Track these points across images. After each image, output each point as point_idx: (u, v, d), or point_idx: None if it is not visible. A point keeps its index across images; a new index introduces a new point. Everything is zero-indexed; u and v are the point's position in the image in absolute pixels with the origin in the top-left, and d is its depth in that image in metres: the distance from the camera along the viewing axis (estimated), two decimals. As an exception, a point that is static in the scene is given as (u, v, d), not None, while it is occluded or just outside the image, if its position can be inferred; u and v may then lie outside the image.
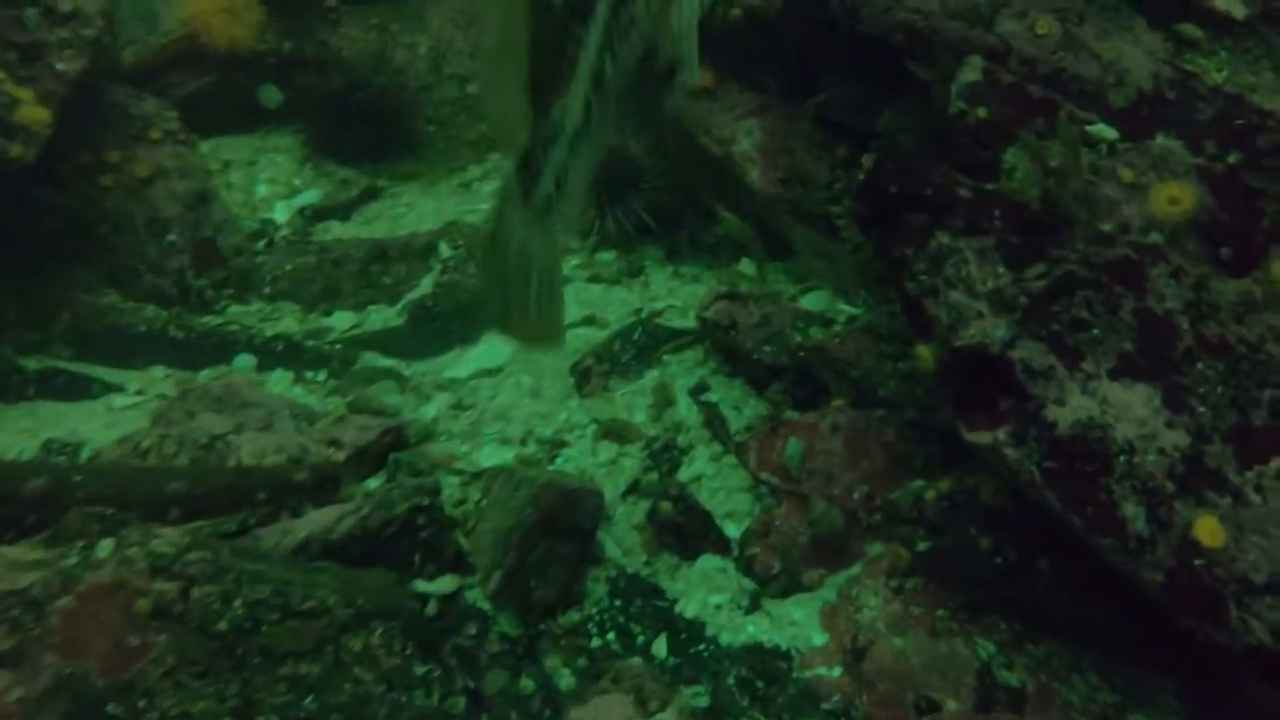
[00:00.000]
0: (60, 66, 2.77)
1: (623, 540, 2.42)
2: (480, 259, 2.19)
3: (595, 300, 3.26)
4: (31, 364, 2.83)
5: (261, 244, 3.30)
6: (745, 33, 3.05)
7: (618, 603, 2.27)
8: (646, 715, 2.00)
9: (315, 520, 2.24)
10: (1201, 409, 1.96)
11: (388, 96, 3.80)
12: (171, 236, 3.02)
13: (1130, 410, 1.96)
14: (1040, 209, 2.12)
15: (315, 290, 3.25)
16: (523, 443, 2.75)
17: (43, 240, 2.90)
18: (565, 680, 2.11)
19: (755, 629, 2.26)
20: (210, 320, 3.02)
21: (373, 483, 2.55)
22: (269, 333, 3.06)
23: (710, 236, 3.43)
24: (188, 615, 1.73)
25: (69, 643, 1.66)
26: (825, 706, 2.10)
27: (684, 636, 2.22)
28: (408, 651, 2.00)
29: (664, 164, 3.44)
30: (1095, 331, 2.01)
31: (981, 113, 2.22)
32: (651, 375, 2.90)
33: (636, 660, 2.15)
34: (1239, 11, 2.19)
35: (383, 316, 3.25)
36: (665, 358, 2.95)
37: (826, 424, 2.47)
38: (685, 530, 2.39)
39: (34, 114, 2.70)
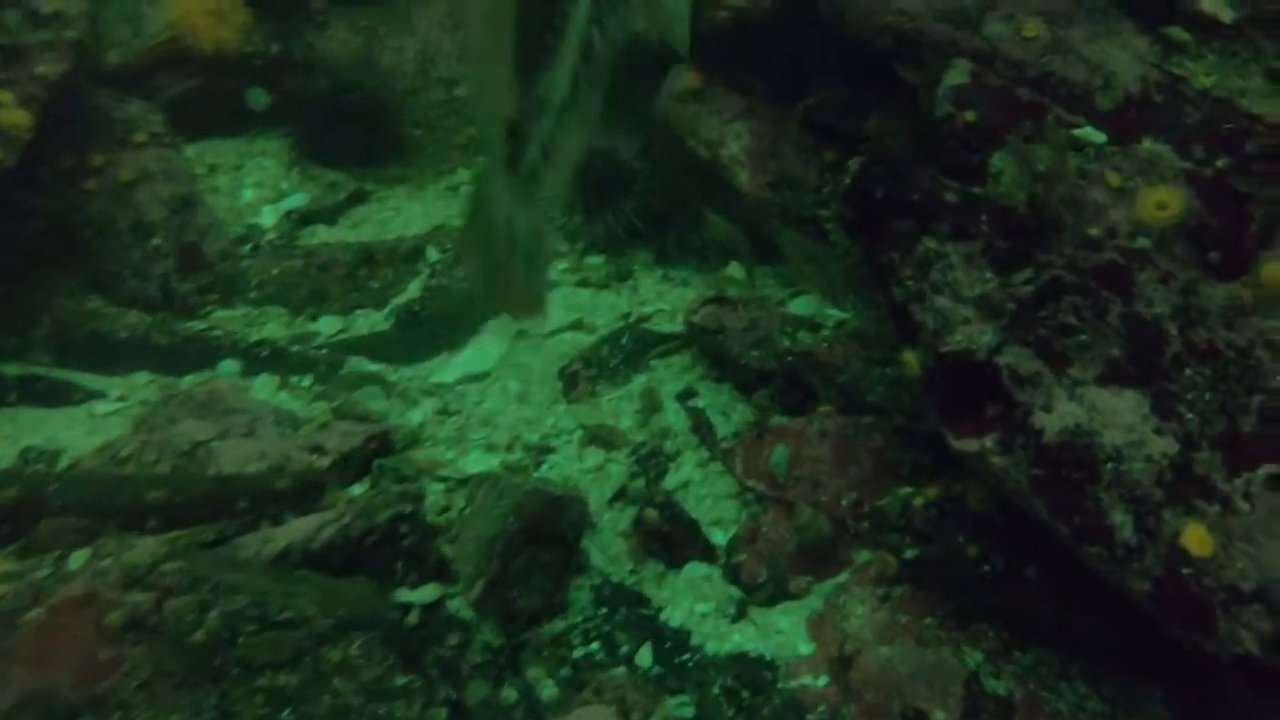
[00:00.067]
0: (41, 69, 2.74)
1: (608, 548, 2.40)
2: (464, 228, 2.17)
3: (583, 304, 3.24)
4: (12, 370, 2.80)
5: (247, 248, 3.27)
6: (733, 35, 3.03)
7: (602, 611, 2.24)
8: (630, 726, 1.98)
9: (296, 529, 2.22)
10: (1190, 415, 1.94)
11: (375, 100, 3.77)
12: (155, 241, 2.99)
13: (1118, 417, 1.94)
14: (1027, 213, 2.10)
15: (301, 295, 3.22)
16: (509, 449, 2.73)
17: (23, 245, 2.88)
18: (548, 691, 2.08)
19: (741, 638, 2.23)
20: (195, 325, 2.99)
21: (357, 489, 2.53)
22: (254, 338, 3.04)
23: (699, 240, 3.41)
24: (162, 627, 1.70)
25: (39, 656, 1.63)
26: (811, 717, 2.08)
27: (669, 646, 2.20)
28: (388, 662, 1.98)
29: (653, 167, 3.43)
30: (1083, 337, 1.99)
31: (969, 116, 2.20)
32: (639, 380, 2.88)
33: (620, 670, 2.12)
34: (1226, 15, 2.18)
35: (369, 321, 3.23)
36: (653, 363, 2.93)
37: (814, 430, 2.45)
38: (671, 538, 2.36)
39: (14, 117, 2.67)
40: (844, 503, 2.36)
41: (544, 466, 2.65)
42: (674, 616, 2.26)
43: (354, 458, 2.58)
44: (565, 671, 2.12)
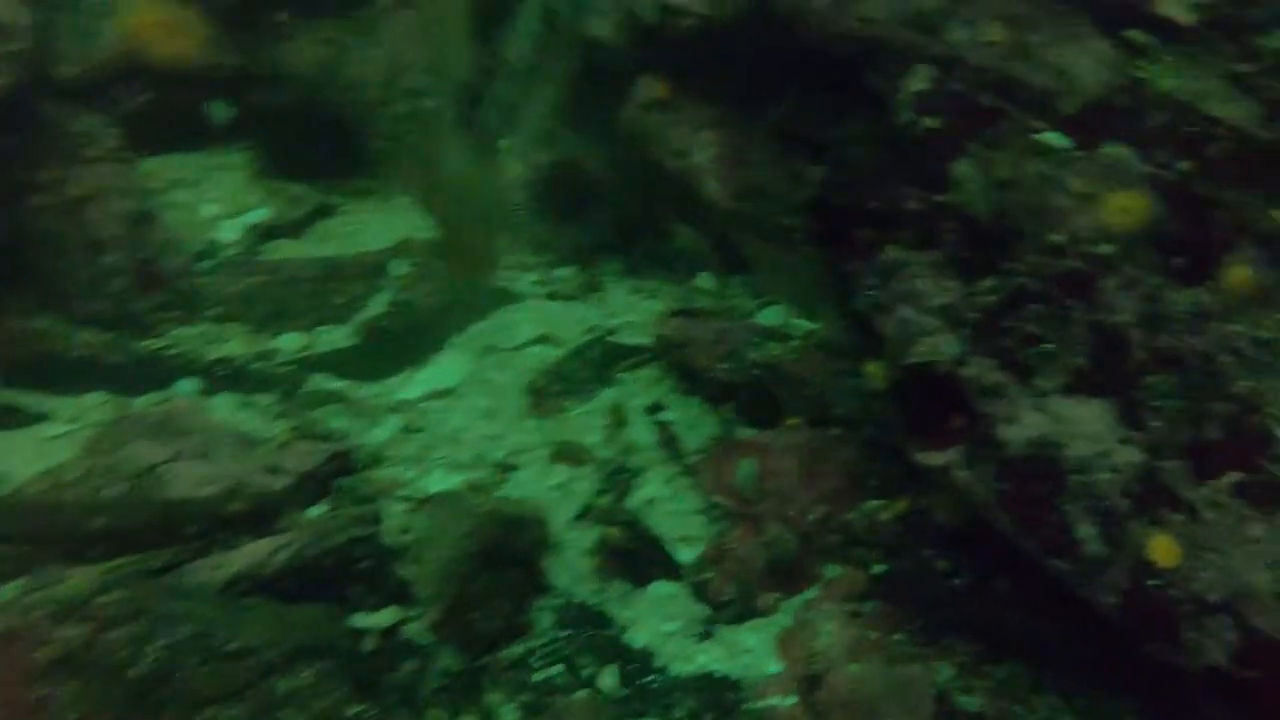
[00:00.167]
0: (-14, 83, 2.67)
1: (573, 567, 2.35)
2: (417, 186, 2.14)
3: (551, 317, 3.18)
4: (-42, 392, 2.73)
5: (207, 264, 3.19)
6: (700, 43, 3.00)
7: (565, 633, 2.19)
8: (591, 752, 1.92)
9: (248, 554, 2.16)
10: (1156, 424, 1.91)
11: (341, 112, 3.71)
12: (110, 258, 2.91)
13: (1083, 427, 1.90)
14: (991, 221, 2.07)
15: (264, 311, 3.15)
16: (473, 467, 2.67)
17: (-29, 263, 2.81)
18: (508, 716, 2.03)
19: (707, 658, 2.18)
20: (151, 344, 2.92)
21: (316, 511, 2.47)
22: (214, 356, 2.97)
23: (670, 251, 3.37)
24: (98, 662, 1.63)
25: (-35, 696, 1.56)
26: (778, 738, 2.03)
27: (633, 667, 2.15)
28: (341, 691, 1.92)
29: (622, 177, 3.39)
30: (1047, 346, 1.96)
31: (931, 123, 2.17)
32: (607, 394, 2.84)
33: (583, 694, 2.07)
34: (1186, 18, 2.16)
35: (333, 337, 3.16)
36: (621, 376, 2.89)
37: (781, 444, 2.41)
38: (636, 556, 2.32)
39: (-40, 133, 2.60)
40: (812, 517, 2.32)
41: (508, 485, 2.59)
42: (639, 637, 2.21)
43: (313, 478, 2.52)
44: (526, 696, 2.06)
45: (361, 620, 2.14)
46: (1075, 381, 1.93)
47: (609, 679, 2.11)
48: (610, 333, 3.05)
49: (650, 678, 2.12)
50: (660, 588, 2.31)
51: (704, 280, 3.23)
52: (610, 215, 3.41)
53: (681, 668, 2.15)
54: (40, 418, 2.69)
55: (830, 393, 2.48)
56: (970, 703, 2.08)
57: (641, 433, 2.67)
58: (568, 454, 2.64)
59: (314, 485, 2.52)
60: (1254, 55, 2.14)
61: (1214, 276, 2.03)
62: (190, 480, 2.36)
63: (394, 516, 2.47)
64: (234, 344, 3.05)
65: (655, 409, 2.73)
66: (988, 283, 2.00)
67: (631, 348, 2.95)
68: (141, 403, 2.75)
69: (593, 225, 3.42)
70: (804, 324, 2.82)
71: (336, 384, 3.01)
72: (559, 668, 2.12)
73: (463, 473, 2.65)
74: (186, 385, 2.88)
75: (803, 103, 2.88)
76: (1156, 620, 1.79)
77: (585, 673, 2.11)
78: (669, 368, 2.81)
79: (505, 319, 3.20)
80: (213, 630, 1.81)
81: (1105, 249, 2.04)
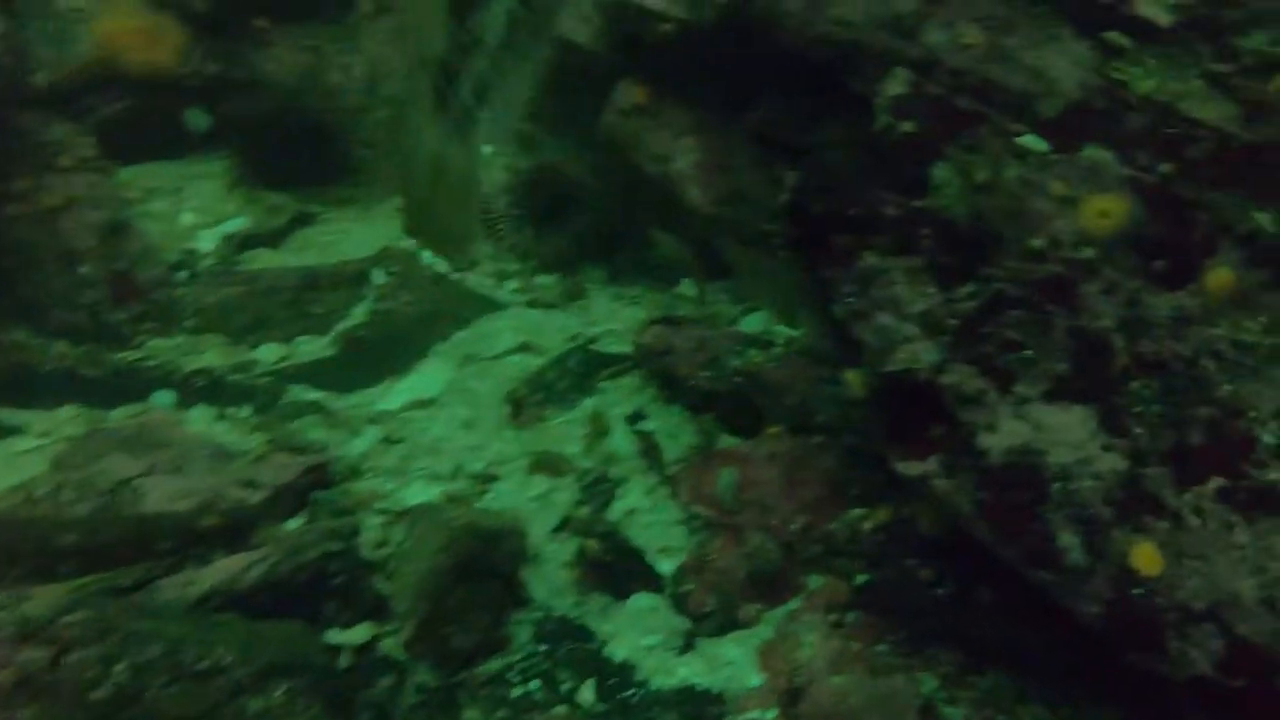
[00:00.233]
0: (-46, 93, 2.64)
1: (552, 580, 2.32)
2: (390, 161, 2.12)
3: (532, 325, 3.15)
4: (-73, 406, 2.69)
5: (184, 274, 3.16)
6: (679, 48, 2.97)
7: (543, 647, 2.16)
8: (569, 769, 1.89)
9: (221, 570, 2.12)
10: (1138, 430, 1.89)
11: (321, 119, 3.68)
12: (84, 269, 2.88)
13: (1065, 434, 1.88)
14: (969, 225, 2.04)
15: (242, 322, 3.12)
16: (452, 478, 2.64)
17: (-58, 275, 2.77)
18: (485, 733, 2.00)
19: (688, 670, 2.15)
20: (127, 356, 2.88)
21: (293, 524, 2.44)
22: (190, 367, 2.93)
23: (652, 258, 3.35)
24: (59, 685, 1.60)
25: (-78, 722, 1.53)
26: (759, 753, 2.00)
27: (613, 682, 2.11)
28: (314, 709, 1.89)
29: (603, 183, 3.36)
30: (1027, 352, 1.93)
31: (908, 126, 2.15)
32: (588, 403, 2.80)
33: (561, 709, 2.04)
34: (1164, 18, 2.14)
35: (313, 347, 3.13)
36: (602, 385, 2.85)
37: (762, 453, 2.38)
38: (616, 568, 2.28)
39: (-72, 144, 2.57)
40: (794, 527, 2.29)
41: (488, 496, 2.56)
42: (619, 650, 2.18)
43: (290, 491, 2.49)
44: (503, 712, 2.03)
45: (336, 636, 2.11)
46: (1056, 388, 1.90)
47: (588, 694, 2.08)
48: (592, 341, 3.02)
49: (630, 692, 2.09)
50: (640, 600, 2.28)
51: (686, 287, 3.21)
52: (592, 222, 3.38)
53: (662, 681, 2.12)
54: (12, 431, 2.65)
55: (812, 400, 2.45)
56: (954, 714, 2.05)
57: (622, 442, 2.64)
58: (547, 464, 2.61)
59: (291, 498, 2.48)
60: (1232, 55, 2.12)
61: (1195, 279, 2.00)
62: (164, 494, 2.33)
63: (371, 529, 2.43)
64: (211, 355, 3.02)
65: (636, 418, 2.70)
66: (967, 289, 1.98)
67: (613, 356, 2.92)
68: (116, 416, 2.71)
69: (574, 232, 3.40)
70: (786, 331, 2.79)
71: (315, 395, 2.98)
72: (537, 683, 2.09)
73: (442, 484, 2.62)
74: (163, 397, 2.84)
75: (783, 107, 2.85)
76: (1140, 629, 1.77)
77: (564, 687, 2.08)
78: (650, 376, 2.78)
79: (486, 327, 3.17)
80: (182, 649, 1.77)
81: (1085, 253, 2.01)
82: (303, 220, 3.54)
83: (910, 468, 1.87)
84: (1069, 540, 1.80)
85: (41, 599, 1.72)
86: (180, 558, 2.14)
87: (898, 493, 2.16)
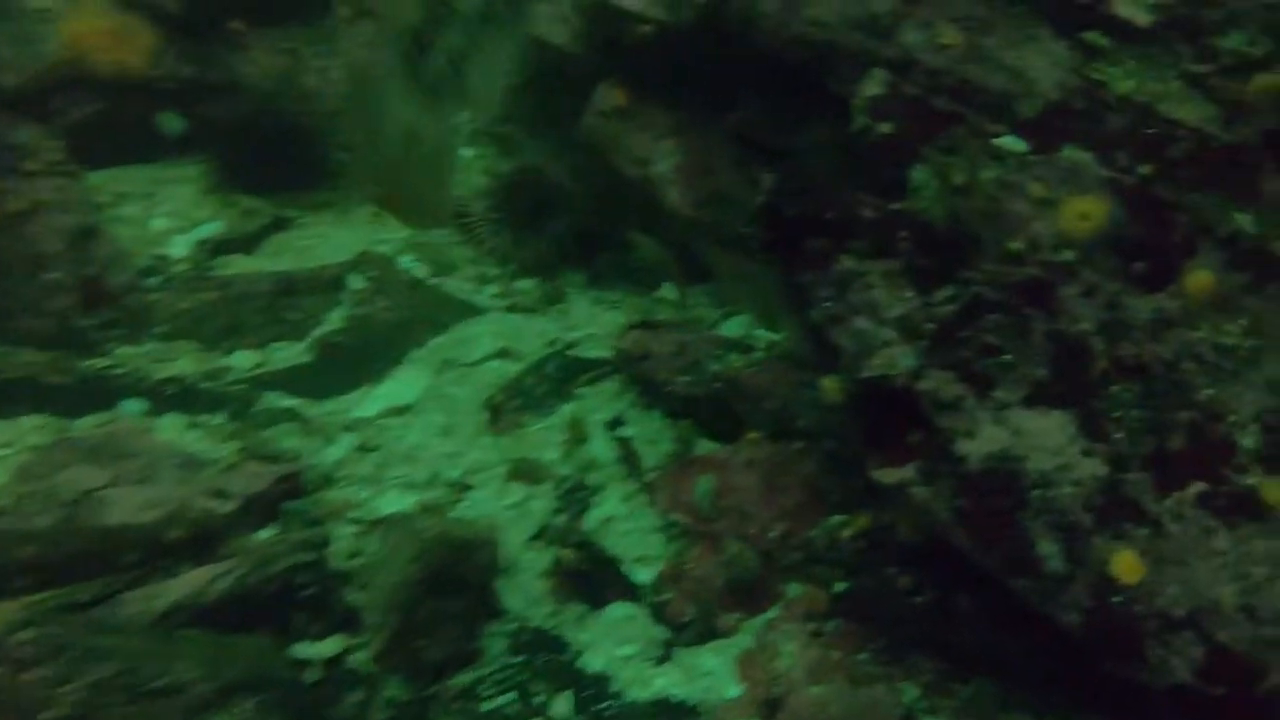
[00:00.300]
0: (-85, 95, 2.58)
1: (527, 589, 2.27)
2: (354, 130, 2.09)
3: (511, 331, 3.11)
4: (-114, 416, 2.63)
5: (156, 280, 3.11)
6: (658, 49, 2.94)
7: (518, 659, 2.12)
8: (542, 785, 1.85)
9: (187, 583, 2.08)
10: (1118, 435, 1.86)
11: (298, 123, 3.63)
12: (52, 275, 2.82)
13: (1045, 439, 1.85)
14: (947, 228, 2.01)
15: (215, 328, 3.07)
16: (428, 486, 2.60)
17: (-96, 282, 2.71)
18: (457, 749, 1.95)
19: (666, 681, 2.11)
20: (95, 363, 2.83)
21: (264, 534, 2.39)
22: (161, 375, 2.88)
23: (634, 261, 3.31)
24: (9, 706, 1.55)
25: None
26: (737, 765, 1.97)
27: (588, 693, 2.08)
28: (280, 726, 1.84)
29: (584, 186, 3.33)
30: (1006, 357, 1.91)
31: (886, 128, 2.12)
32: (566, 409, 2.77)
33: (535, 723, 2.00)
34: (1143, 18, 2.12)
35: (288, 354, 3.07)
36: (581, 390, 2.82)
37: (740, 459, 2.35)
38: (593, 577, 2.24)
39: (-112, 147, 2.51)
40: (773, 534, 2.26)
41: (463, 504, 2.51)
42: (594, 661, 2.14)
43: (260, 501, 2.44)
44: (475, 727, 1.99)
45: (305, 650, 2.07)
46: (1035, 393, 1.87)
47: (562, 706, 2.04)
48: (571, 346, 2.98)
49: (605, 704, 2.06)
50: (617, 609, 2.24)
51: (667, 291, 3.17)
52: (572, 225, 3.34)
53: (638, 693, 2.09)
54: (-28, 442, 2.60)
55: (792, 405, 2.41)
56: (936, 723, 2.02)
57: (600, 449, 2.60)
58: (525, 472, 2.57)
59: (261, 508, 2.43)
60: (1211, 56, 2.10)
61: (1176, 281, 1.98)
62: (129, 505, 2.28)
63: (344, 539, 2.39)
64: (183, 362, 2.96)
65: (615, 424, 2.66)
66: (945, 292, 1.95)
67: (592, 361, 2.89)
68: (83, 424, 2.65)
69: (554, 235, 3.36)
70: (767, 335, 2.76)
71: (290, 402, 2.93)
72: (510, 696, 2.05)
73: (417, 492, 2.57)
74: (132, 406, 2.79)
75: (763, 109, 2.83)
76: (1120, 637, 1.74)
77: (537, 700, 2.04)
78: (629, 381, 2.74)
79: (465, 333, 3.13)
80: (140, 666, 1.72)
81: (1065, 255, 1.99)
82: (279, 225, 3.49)
83: (887, 475, 1.84)
84: (1048, 548, 1.77)
85: (-4, 615, 1.67)
86: (145, 571, 2.09)
87: (877, 499, 2.13)
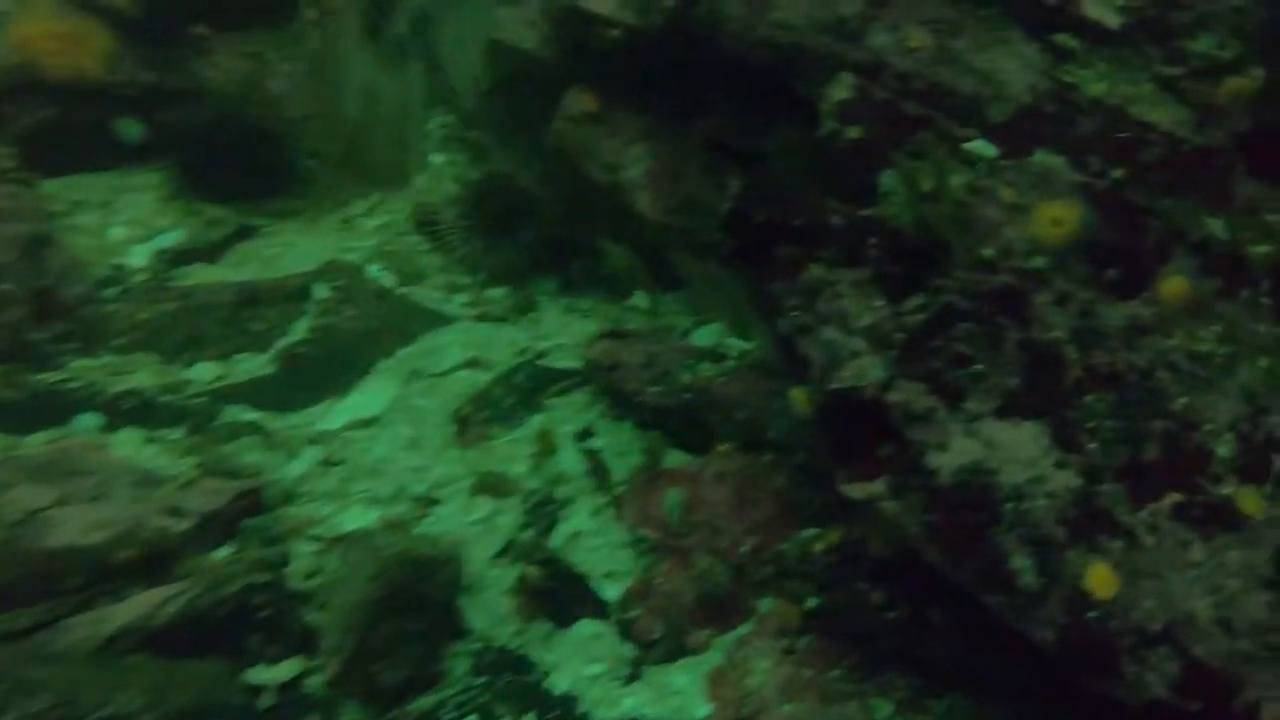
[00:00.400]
0: None
1: (493, 608, 2.21)
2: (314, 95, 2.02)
3: (481, 340, 3.05)
4: None
5: (113, 291, 3.02)
6: (627, 54, 2.89)
7: (481, 680, 2.05)
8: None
9: (135, 606, 2.00)
10: (1092, 445, 1.82)
11: (264, 129, 3.56)
12: (2, 286, 2.74)
13: (1018, 451, 1.81)
14: (917, 235, 1.97)
15: (175, 340, 2.99)
16: (393, 501, 2.53)
17: None
18: (416, 776, 1.89)
19: (634, 701, 2.06)
20: (49, 377, 2.74)
21: (221, 553, 2.31)
22: (118, 388, 2.79)
23: (605, 268, 3.26)
24: (-63, 742, 1.47)
25: None
26: (707, 789, 1.91)
27: (554, 714, 2.01)
28: (230, 756, 1.77)
29: (554, 193, 3.27)
30: (978, 367, 1.86)
31: (854, 133, 2.07)
32: (535, 420, 2.71)
33: (498, 747, 1.93)
34: (1113, 20, 2.08)
35: (251, 366, 3.00)
36: (550, 401, 2.76)
37: (710, 472, 2.29)
38: (559, 595, 2.18)
39: None
40: (744, 548, 2.20)
41: (429, 520, 2.45)
42: (561, 681, 2.08)
43: (218, 519, 2.37)
44: (436, 753, 1.92)
45: (259, 674, 2.00)
46: (1007, 404, 1.83)
47: (527, 730, 1.98)
48: (541, 355, 2.92)
49: (572, 726, 2.00)
50: (585, 627, 2.18)
51: (639, 299, 3.12)
52: (543, 232, 3.28)
53: (606, 713, 2.03)
54: (-85, 462, 2.50)
55: (763, 416, 2.37)
56: (910, 741, 1.97)
57: (570, 461, 2.54)
58: (492, 486, 2.50)
59: (219, 526, 2.36)
60: (1182, 58, 2.07)
61: (1149, 288, 1.95)
62: (78, 526, 2.19)
63: (304, 558, 2.32)
64: (141, 375, 2.88)
65: (585, 435, 2.60)
66: (915, 301, 1.90)
67: (562, 371, 2.83)
68: (33, 441, 2.56)
69: (525, 243, 3.30)
70: (738, 343, 2.71)
71: (253, 415, 2.85)
72: (473, 718, 1.98)
73: (381, 508, 2.50)
74: (87, 421, 2.70)
75: (734, 113, 2.78)
76: (1095, 654, 1.70)
77: (501, 724, 1.98)
78: (599, 392, 2.69)
79: (433, 342, 3.06)
80: (79, 696, 1.65)
81: (1037, 262, 1.95)
82: (243, 233, 3.40)
83: (856, 490, 1.79)
84: (1022, 562, 1.73)
85: (-75, 646, 1.59)
86: (90, 594, 2.01)
87: (849, 513, 2.08)
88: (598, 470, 2.49)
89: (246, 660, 2.01)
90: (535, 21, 3.13)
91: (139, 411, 2.77)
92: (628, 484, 2.40)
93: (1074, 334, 1.90)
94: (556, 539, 2.33)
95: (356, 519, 2.47)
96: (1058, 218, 1.97)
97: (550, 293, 3.29)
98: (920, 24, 2.15)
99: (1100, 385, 1.87)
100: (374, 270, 3.32)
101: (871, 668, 2.05)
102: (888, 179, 2.03)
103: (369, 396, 2.92)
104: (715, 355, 2.64)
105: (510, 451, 2.63)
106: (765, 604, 2.16)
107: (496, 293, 3.28)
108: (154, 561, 2.17)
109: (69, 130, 3.19)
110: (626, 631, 2.16)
